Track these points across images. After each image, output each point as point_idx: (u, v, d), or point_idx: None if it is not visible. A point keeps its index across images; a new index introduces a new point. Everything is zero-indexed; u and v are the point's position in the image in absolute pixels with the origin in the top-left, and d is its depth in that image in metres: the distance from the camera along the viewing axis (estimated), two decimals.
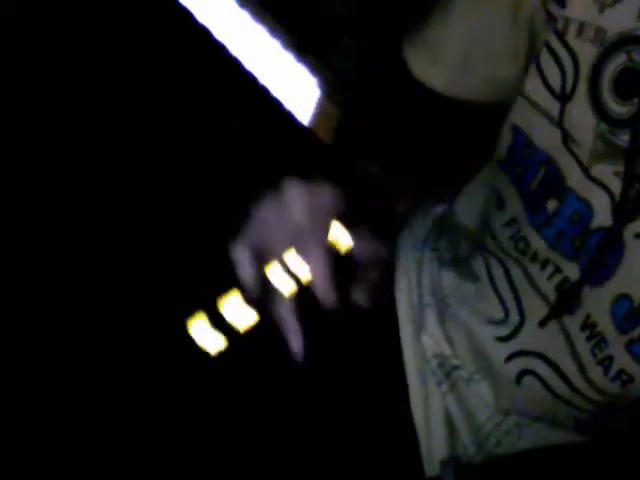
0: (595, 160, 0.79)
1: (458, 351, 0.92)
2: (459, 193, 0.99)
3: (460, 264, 0.94)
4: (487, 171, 0.96)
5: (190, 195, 1.12)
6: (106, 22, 1.26)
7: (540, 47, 0.82)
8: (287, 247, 0.73)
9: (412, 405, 0.93)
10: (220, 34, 1.30)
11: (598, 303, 0.81)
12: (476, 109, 0.92)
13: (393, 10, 1.31)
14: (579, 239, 0.82)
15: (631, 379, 0.81)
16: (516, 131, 0.87)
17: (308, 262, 0.72)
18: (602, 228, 0.80)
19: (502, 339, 0.89)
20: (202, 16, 1.30)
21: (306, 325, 0.73)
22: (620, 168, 0.77)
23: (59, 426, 0.88)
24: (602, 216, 0.79)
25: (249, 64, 1.31)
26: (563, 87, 0.80)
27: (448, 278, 0.94)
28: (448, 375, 0.93)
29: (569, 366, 0.84)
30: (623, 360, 0.80)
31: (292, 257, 0.73)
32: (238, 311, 0.69)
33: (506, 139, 0.88)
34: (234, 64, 1.30)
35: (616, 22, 0.76)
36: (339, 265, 0.74)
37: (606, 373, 0.82)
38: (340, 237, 0.75)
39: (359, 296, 0.78)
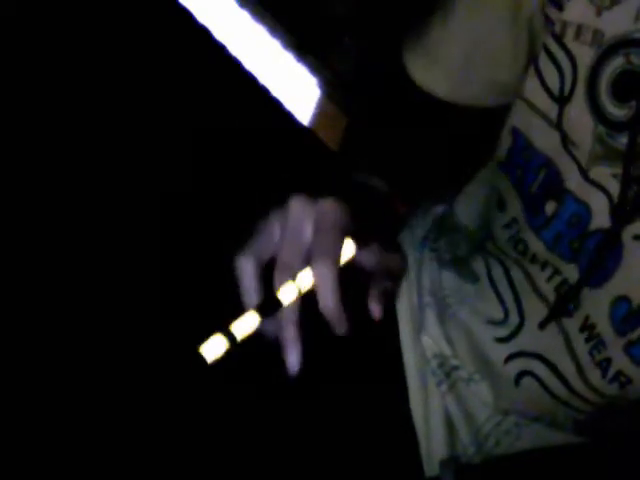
0: (593, 162, 0.79)
1: (458, 351, 0.92)
2: (459, 193, 0.99)
3: (460, 264, 0.94)
4: (487, 171, 0.96)
5: (191, 196, 1.11)
6: (106, 22, 1.26)
7: (538, 49, 0.82)
8: (293, 261, 0.71)
9: (412, 405, 0.93)
10: (220, 34, 1.30)
11: (597, 305, 0.81)
12: (476, 113, 0.92)
13: (393, 10, 1.31)
14: (577, 241, 0.82)
15: (629, 381, 0.81)
16: (516, 133, 0.86)
17: (315, 279, 0.70)
18: (600, 230, 0.79)
19: (502, 340, 0.89)
20: (202, 16, 1.30)
21: (307, 335, 0.71)
22: (618, 170, 0.77)
23: (59, 429, 0.88)
24: (600, 218, 0.79)
25: (249, 64, 1.31)
26: (561, 89, 0.80)
27: (448, 278, 0.94)
28: (448, 375, 0.93)
29: (567, 367, 0.84)
30: (621, 362, 0.80)
31: (298, 272, 0.70)
32: (241, 320, 0.68)
33: (506, 141, 0.88)
34: (234, 64, 1.30)
35: (614, 25, 0.76)
36: (348, 280, 0.72)
37: (604, 375, 0.82)
38: (348, 251, 0.73)
39: (373, 307, 0.76)
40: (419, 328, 0.94)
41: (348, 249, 0.72)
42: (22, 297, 0.97)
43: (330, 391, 0.90)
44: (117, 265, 1.01)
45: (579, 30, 0.78)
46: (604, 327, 0.81)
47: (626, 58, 0.75)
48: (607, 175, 0.78)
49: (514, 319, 0.88)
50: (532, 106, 0.84)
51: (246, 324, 0.67)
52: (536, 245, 0.85)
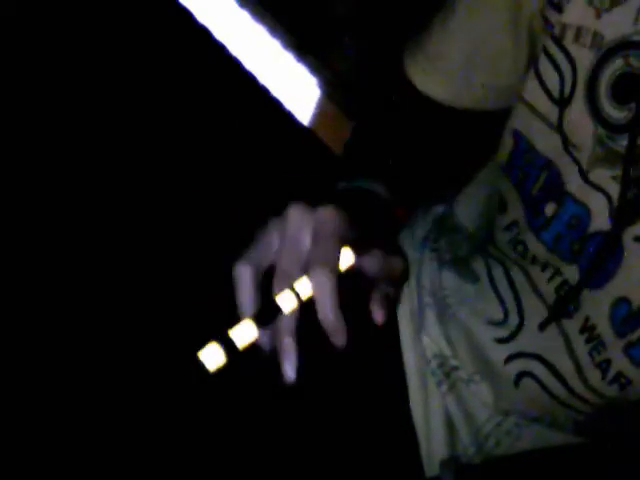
0: (594, 165, 0.79)
1: (458, 352, 0.92)
2: (459, 194, 0.99)
3: (460, 264, 0.94)
4: (487, 172, 0.96)
5: (190, 198, 1.11)
6: (106, 22, 1.26)
7: (538, 52, 0.82)
8: (292, 270, 0.70)
9: (412, 405, 0.93)
10: (220, 34, 1.30)
11: (597, 306, 0.81)
12: (476, 116, 0.92)
13: (393, 11, 1.31)
14: (578, 243, 0.82)
15: (629, 382, 0.81)
16: (517, 136, 0.86)
17: (314, 287, 0.69)
18: (600, 232, 0.79)
19: (501, 340, 0.89)
20: (202, 16, 1.30)
21: (304, 344, 0.71)
22: (618, 172, 0.77)
23: (59, 434, 0.88)
24: (600, 220, 0.79)
25: (249, 64, 1.31)
26: (561, 92, 0.80)
27: (448, 278, 0.94)
28: (448, 375, 0.93)
29: (567, 368, 0.84)
30: (621, 363, 0.80)
31: (296, 280, 0.69)
32: (238, 328, 0.68)
33: (507, 144, 0.88)
34: (234, 64, 1.30)
35: (613, 27, 0.76)
36: (347, 288, 0.71)
37: (604, 376, 0.82)
38: (347, 259, 0.72)
39: (376, 312, 0.75)
40: (419, 328, 0.94)
41: (347, 257, 0.71)
42: (22, 302, 0.97)
43: (330, 391, 0.90)
44: (116, 271, 1.01)
45: (578, 32, 0.78)
46: (604, 328, 0.81)
47: (625, 60, 0.75)
48: (607, 177, 0.78)
49: (514, 320, 0.88)
50: (532, 109, 0.84)
51: (244, 332, 0.67)
52: (536, 246, 0.85)
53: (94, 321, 0.94)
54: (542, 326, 0.85)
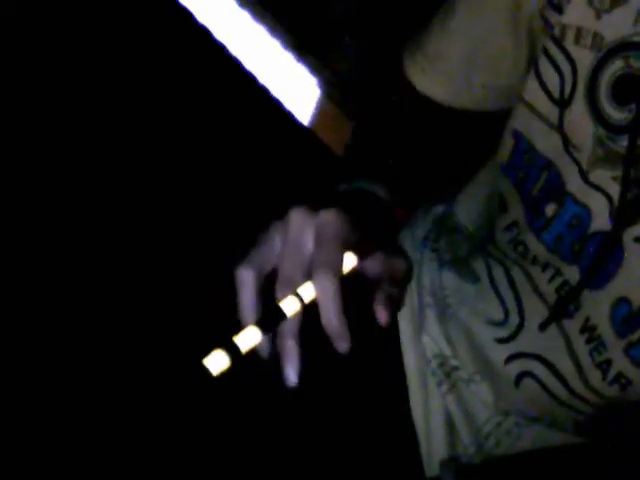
0: (594, 165, 0.79)
1: (458, 352, 0.92)
2: (458, 193, 0.99)
3: (460, 264, 0.94)
4: (487, 172, 0.96)
5: (190, 199, 1.12)
6: (106, 22, 1.26)
7: (538, 53, 0.82)
8: (294, 274, 0.70)
9: (412, 405, 0.93)
10: (220, 34, 1.30)
11: (597, 306, 0.81)
12: (476, 117, 0.92)
13: (393, 11, 1.31)
14: (578, 243, 0.82)
15: (629, 382, 0.81)
16: (517, 136, 0.86)
17: (317, 292, 0.68)
18: (601, 232, 0.80)
19: (502, 340, 0.89)
20: (202, 16, 1.30)
21: (306, 349, 0.70)
22: (619, 173, 0.77)
23: (62, 438, 0.88)
24: (601, 220, 0.79)
25: (249, 64, 1.31)
26: (562, 92, 0.80)
27: (448, 278, 0.94)
28: (448, 375, 0.93)
29: (567, 369, 0.84)
30: (621, 363, 0.80)
31: (300, 285, 0.69)
32: (243, 334, 0.67)
33: (508, 144, 0.88)
34: (234, 64, 1.30)
35: (613, 28, 0.76)
36: (350, 291, 0.70)
37: (604, 376, 0.82)
38: (349, 262, 0.72)
39: (380, 313, 0.75)
40: (419, 328, 0.94)
41: (350, 260, 0.71)
42: (25, 305, 0.97)
43: (330, 391, 0.90)
44: (118, 275, 1.01)
45: (579, 33, 0.78)
46: (604, 329, 0.81)
47: (626, 61, 0.75)
48: (607, 178, 0.78)
49: (514, 320, 0.88)
50: (533, 109, 0.84)
51: (248, 337, 0.67)
52: (537, 247, 0.85)
53: (98, 326, 0.94)
54: (542, 326, 0.85)
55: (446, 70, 0.90)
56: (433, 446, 0.92)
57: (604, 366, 0.82)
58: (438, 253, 0.97)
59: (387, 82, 0.96)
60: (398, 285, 0.77)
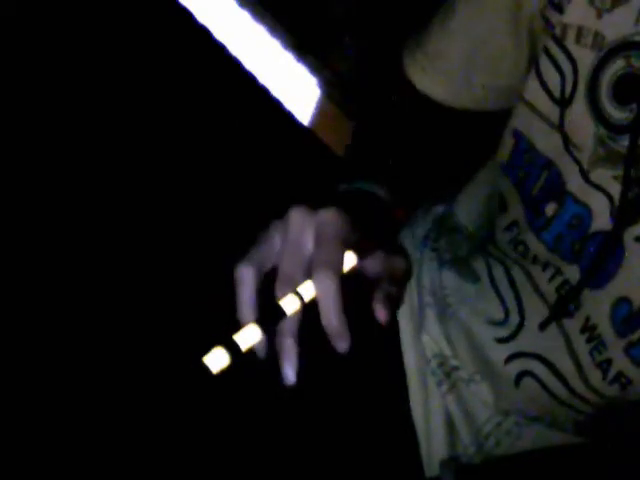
0: (595, 165, 0.79)
1: (458, 351, 0.92)
2: (458, 193, 0.99)
3: (460, 264, 0.95)
4: (488, 172, 0.96)
5: (190, 198, 1.11)
6: (106, 22, 1.26)
7: (539, 52, 0.82)
8: (294, 273, 0.69)
9: (412, 405, 0.93)
10: (220, 34, 1.30)
11: (598, 306, 0.81)
12: (476, 116, 0.92)
13: (393, 11, 1.31)
14: (579, 243, 0.82)
15: (630, 382, 0.81)
16: (517, 136, 0.86)
17: (317, 291, 0.68)
18: (601, 232, 0.80)
19: (502, 340, 0.89)
20: (202, 16, 1.30)
21: (306, 347, 0.70)
22: (619, 172, 0.77)
23: (61, 438, 0.88)
24: (601, 220, 0.79)
25: (249, 64, 1.31)
26: (562, 92, 0.80)
27: (448, 278, 0.95)
28: (448, 375, 0.93)
29: (567, 368, 0.84)
30: (622, 363, 0.80)
31: (300, 283, 0.69)
32: (243, 332, 0.67)
33: (508, 143, 0.88)
34: (234, 64, 1.30)
35: (614, 27, 0.76)
36: (350, 290, 0.70)
37: (604, 376, 0.82)
38: (349, 261, 0.72)
39: (379, 312, 0.74)
40: (419, 328, 0.94)
41: (349, 259, 0.71)
42: (24, 306, 0.97)
43: (330, 391, 0.90)
44: (118, 274, 1.01)
45: (579, 33, 0.78)
46: (605, 328, 0.81)
47: (627, 61, 0.75)
48: (608, 177, 0.78)
49: (514, 319, 0.88)
50: (533, 108, 0.84)
51: (248, 335, 0.67)
52: (537, 246, 0.85)
53: (97, 324, 0.94)
54: (543, 326, 0.85)
55: (446, 70, 0.90)
56: (433, 446, 0.92)
57: (604, 366, 0.82)
58: (438, 253, 0.97)
59: (387, 81, 0.96)
60: (398, 284, 0.78)
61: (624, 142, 0.76)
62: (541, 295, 0.86)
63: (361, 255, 0.72)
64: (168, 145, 1.19)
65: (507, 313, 0.89)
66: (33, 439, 0.88)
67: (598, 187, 0.79)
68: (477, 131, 0.94)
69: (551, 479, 0.82)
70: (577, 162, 0.80)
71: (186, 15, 1.29)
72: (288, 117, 1.31)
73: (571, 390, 0.85)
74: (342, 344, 0.69)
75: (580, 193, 0.81)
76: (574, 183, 0.81)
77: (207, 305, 0.89)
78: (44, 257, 1.03)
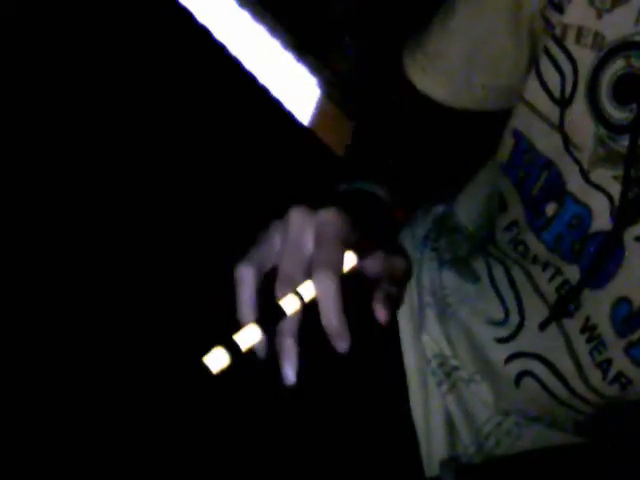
0: (595, 165, 0.79)
1: (458, 351, 0.92)
2: (459, 193, 0.99)
3: (460, 264, 0.95)
4: (488, 172, 0.96)
5: (190, 198, 1.11)
6: (106, 22, 1.26)
7: (539, 53, 0.82)
8: (294, 273, 0.69)
9: (412, 405, 0.93)
10: (220, 34, 1.30)
11: (598, 306, 0.81)
12: (476, 116, 0.92)
13: (393, 11, 1.31)
14: (579, 243, 0.82)
15: (629, 382, 0.81)
16: (517, 136, 0.86)
17: (317, 291, 0.68)
18: (602, 232, 0.80)
19: (502, 340, 0.89)
20: (202, 16, 1.30)
21: (306, 347, 0.70)
22: (619, 172, 0.77)
23: (61, 438, 0.88)
24: (601, 220, 0.79)
25: (249, 64, 1.31)
26: (562, 92, 0.80)
27: (448, 278, 0.95)
28: (448, 375, 0.93)
29: (568, 368, 0.84)
30: (622, 363, 0.80)
31: (300, 283, 0.69)
32: (243, 332, 0.67)
33: (508, 143, 0.88)
34: (234, 64, 1.30)
35: (614, 27, 0.76)
36: (350, 289, 0.70)
37: (604, 376, 0.82)
38: (349, 261, 0.71)
39: (379, 312, 0.74)
40: (419, 328, 0.94)
41: (349, 259, 0.71)
42: (24, 305, 0.97)
43: (331, 391, 0.90)
44: (118, 273, 1.01)
45: (580, 33, 0.78)
46: (605, 328, 0.81)
47: (627, 61, 0.75)
48: (608, 177, 0.78)
49: (514, 319, 0.88)
50: (533, 108, 0.84)
51: (248, 335, 0.67)
52: (537, 246, 0.85)
53: (96, 323, 0.94)
54: (543, 326, 0.85)
55: (446, 70, 0.90)
56: (433, 446, 0.92)
57: (604, 366, 0.82)
58: (438, 253, 0.97)
59: (387, 82, 0.96)
60: (398, 284, 0.77)
61: (624, 142, 0.76)
62: (541, 295, 0.86)
63: (361, 255, 0.72)
64: (168, 145, 1.19)
65: (507, 313, 0.89)
66: (33, 439, 0.88)
67: (598, 187, 0.79)
68: (477, 131, 0.94)
69: (551, 479, 0.82)
70: (577, 162, 0.80)
71: (186, 15, 1.29)
72: (288, 117, 1.31)
73: (571, 390, 0.85)
74: (342, 344, 0.69)
75: (580, 193, 0.81)
76: (574, 183, 0.81)
77: (207, 305, 0.89)
78: (44, 257, 1.03)
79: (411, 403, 0.93)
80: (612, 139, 0.77)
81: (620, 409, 0.84)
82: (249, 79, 1.30)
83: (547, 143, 0.83)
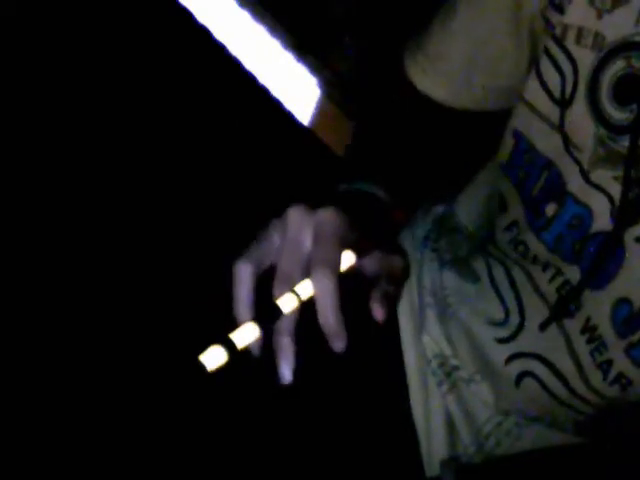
0: (595, 165, 0.79)
1: (458, 351, 0.92)
2: (459, 193, 0.99)
3: (460, 264, 0.95)
4: (488, 173, 0.96)
5: (190, 198, 1.11)
6: (106, 22, 1.26)
7: (539, 53, 0.82)
8: (292, 271, 0.70)
9: (412, 405, 0.93)
10: (220, 34, 1.30)
11: (598, 306, 0.81)
12: (476, 117, 0.92)
13: (393, 11, 1.31)
14: (579, 243, 0.82)
15: (630, 383, 0.81)
16: (517, 136, 0.86)
17: (315, 289, 0.68)
18: (602, 232, 0.80)
19: (502, 340, 0.89)
20: (202, 16, 1.30)
21: (303, 346, 0.70)
22: (620, 173, 0.77)
23: (58, 437, 0.88)
24: (602, 220, 0.79)
25: (249, 64, 1.31)
26: (562, 92, 0.80)
27: (449, 278, 0.95)
28: (448, 375, 0.93)
29: (568, 369, 0.84)
30: (622, 364, 0.80)
31: (298, 282, 0.69)
32: (240, 331, 0.67)
33: (508, 143, 0.88)
34: (234, 64, 1.30)
35: (615, 28, 0.76)
36: (348, 288, 0.70)
37: (605, 377, 0.82)
38: (347, 260, 0.72)
39: (376, 310, 0.74)
40: (420, 328, 0.94)
41: (347, 258, 0.71)
42: (22, 304, 0.97)
43: (331, 391, 0.90)
44: (116, 272, 1.01)
45: (580, 33, 0.78)
46: (605, 329, 0.81)
47: (627, 61, 0.75)
48: (608, 178, 0.78)
49: (515, 320, 0.88)
50: (533, 109, 0.84)
51: (246, 334, 0.67)
52: (537, 246, 0.85)
53: (93, 322, 0.94)
54: (543, 326, 0.85)
55: (447, 71, 0.90)
56: (433, 446, 0.92)
57: (605, 366, 0.82)
58: (438, 253, 0.97)
59: (387, 82, 0.96)
60: (395, 283, 0.78)
61: (624, 143, 0.76)
62: (541, 295, 0.86)
63: (359, 254, 0.72)
64: (168, 145, 1.19)
65: (507, 313, 0.89)
66: (31, 438, 0.88)
67: (598, 187, 0.79)
68: (477, 131, 0.94)
69: (551, 479, 0.82)
70: (577, 162, 0.80)
71: (186, 15, 1.29)
72: (288, 117, 1.31)
73: (571, 390, 0.85)
74: (338, 343, 0.69)
75: (580, 193, 0.81)
76: (574, 183, 0.81)
77: (205, 303, 0.89)
78: (43, 257, 1.03)
79: (411, 403, 0.93)
80: (612, 139, 0.77)
81: (620, 410, 0.84)
82: (249, 79, 1.30)
83: (547, 143, 0.83)
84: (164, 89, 1.24)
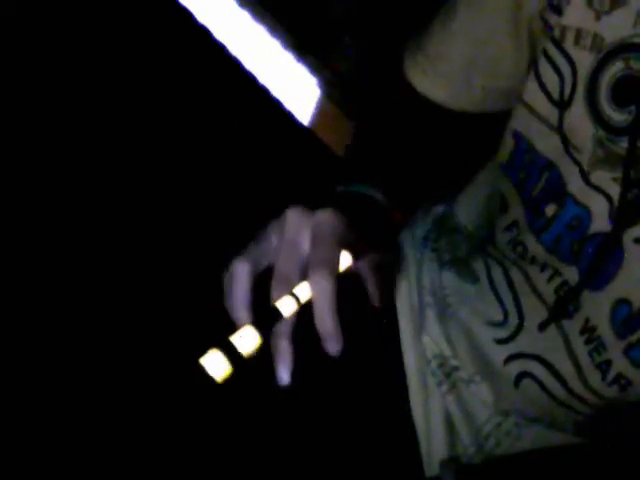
0: (594, 166, 0.79)
1: (458, 352, 0.92)
2: (458, 194, 0.99)
3: (460, 264, 0.95)
4: (488, 173, 0.96)
5: (190, 198, 1.12)
6: (106, 22, 1.26)
7: (538, 54, 0.82)
8: (290, 272, 0.70)
9: (412, 405, 0.93)
10: (220, 34, 1.30)
11: (597, 307, 0.81)
12: (475, 118, 0.92)
13: (393, 11, 1.31)
14: (577, 244, 0.82)
15: (629, 383, 0.81)
16: (517, 137, 0.86)
17: (313, 291, 0.68)
18: (600, 233, 0.80)
19: (501, 341, 0.89)
20: (202, 16, 1.30)
21: (301, 348, 0.70)
22: (619, 174, 0.77)
23: (59, 439, 0.88)
24: (601, 221, 0.79)
25: (249, 64, 1.31)
26: (561, 94, 0.80)
27: (448, 278, 0.95)
28: (448, 376, 0.93)
29: (567, 369, 0.84)
30: (621, 364, 0.80)
31: (295, 283, 0.69)
32: (239, 334, 0.67)
33: (508, 144, 0.88)
34: (234, 64, 1.30)
35: (613, 29, 0.76)
36: (344, 288, 0.70)
37: (604, 377, 0.82)
38: (345, 262, 0.71)
39: (373, 294, 0.74)
40: (419, 328, 0.94)
41: (345, 260, 0.72)
42: (23, 307, 0.97)
43: (331, 391, 0.90)
44: (116, 274, 1.01)
45: (578, 35, 0.78)
46: (604, 329, 0.81)
47: (626, 63, 0.75)
48: (607, 179, 0.78)
49: (513, 320, 0.88)
50: (532, 110, 0.84)
51: (245, 337, 0.66)
52: (535, 247, 0.85)
53: (93, 324, 0.94)
54: (542, 327, 0.85)
55: (447, 72, 0.90)
56: (433, 446, 0.92)
57: (604, 367, 0.82)
58: (438, 253, 0.97)
59: (387, 83, 0.96)
60: (385, 275, 0.78)
61: (623, 144, 0.76)
62: (539, 296, 0.86)
63: (357, 256, 0.72)
64: (168, 145, 1.19)
65: (506, 314, 0.89)
66: (32, 440, 0.88)
67: (598, 189, 0.79)
68: (476, 132, 0.94)
69: (551, 479, 0.82)
70: (577, 163, 0.80)
71: (186, 15, 1.29)
72: (288, 117, 1.31)
73: (570, 391, 0.85)
74: (334, 346, 0.69)
75: (580, 195, 0.81)
76: (574, 184, 0.81)
77: (204, 306, 0.89)
78: (42, 258, 1.03)
79: (411, 403, 0.93)
80: (611, 141, 0.77)
81: (619, 410, 0.84)
82: (249, 79, 1.30)
83: (547, 144, 0.83)
84: (164, 89, 1.24)
